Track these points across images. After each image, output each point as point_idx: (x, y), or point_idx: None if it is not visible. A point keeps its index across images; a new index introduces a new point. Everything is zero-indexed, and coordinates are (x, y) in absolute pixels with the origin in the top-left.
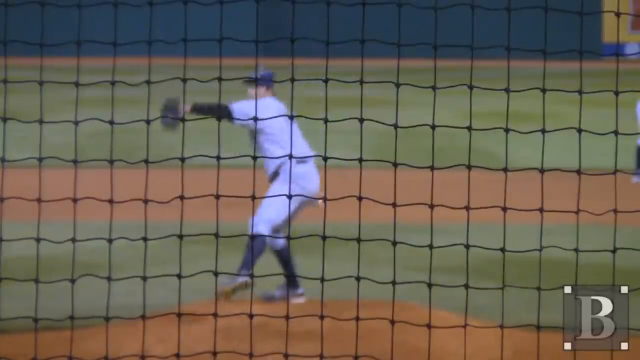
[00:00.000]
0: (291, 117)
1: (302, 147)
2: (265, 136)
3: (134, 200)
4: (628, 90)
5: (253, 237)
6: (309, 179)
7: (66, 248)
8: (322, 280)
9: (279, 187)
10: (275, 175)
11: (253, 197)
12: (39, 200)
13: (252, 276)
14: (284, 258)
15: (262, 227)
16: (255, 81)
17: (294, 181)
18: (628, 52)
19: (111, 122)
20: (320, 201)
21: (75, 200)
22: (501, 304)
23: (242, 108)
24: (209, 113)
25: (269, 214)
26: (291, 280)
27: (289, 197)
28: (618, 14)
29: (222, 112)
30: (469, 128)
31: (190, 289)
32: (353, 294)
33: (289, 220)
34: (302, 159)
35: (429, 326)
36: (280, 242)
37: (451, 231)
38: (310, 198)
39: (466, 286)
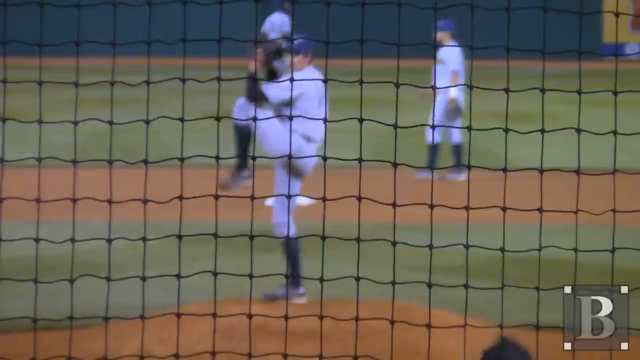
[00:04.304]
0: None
1: (320, 131)
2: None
3: (134, 200)
4: (627, 90)
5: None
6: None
7: (65, 248)
8: (322, 280)
9: (284, 175)
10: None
11: (252, 197)
12: (38, 200)
13: (251, 276)
14: (293, 250)
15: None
16: (291, 49)
17: (301, 165)
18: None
19: (110, 122)
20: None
21: (74, 200)
22: (501, 304)
23: (275, 89)
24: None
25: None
26: (294, 279)
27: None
28: (618, 14)
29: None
30: (469, 128)
31: (189, 289)
32: (353, 294)
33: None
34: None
35: (428, 326)
36: (292, 231)
37: (451, 231)
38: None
39: (466, 286)
